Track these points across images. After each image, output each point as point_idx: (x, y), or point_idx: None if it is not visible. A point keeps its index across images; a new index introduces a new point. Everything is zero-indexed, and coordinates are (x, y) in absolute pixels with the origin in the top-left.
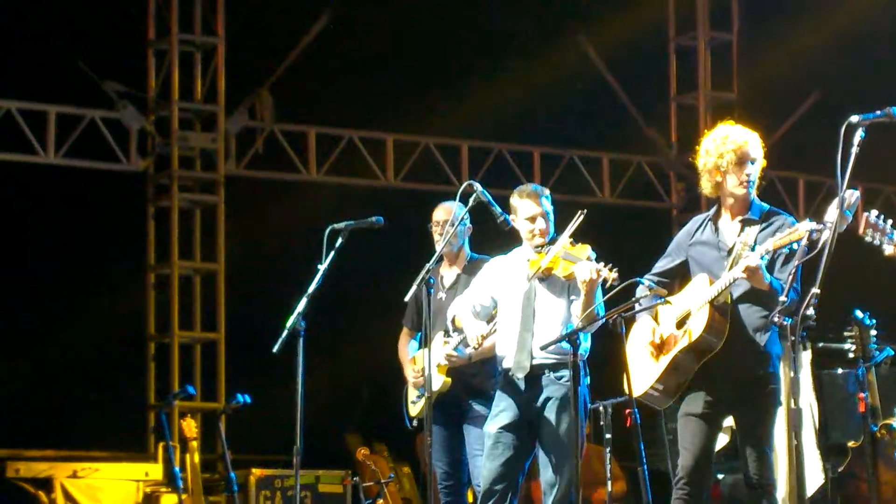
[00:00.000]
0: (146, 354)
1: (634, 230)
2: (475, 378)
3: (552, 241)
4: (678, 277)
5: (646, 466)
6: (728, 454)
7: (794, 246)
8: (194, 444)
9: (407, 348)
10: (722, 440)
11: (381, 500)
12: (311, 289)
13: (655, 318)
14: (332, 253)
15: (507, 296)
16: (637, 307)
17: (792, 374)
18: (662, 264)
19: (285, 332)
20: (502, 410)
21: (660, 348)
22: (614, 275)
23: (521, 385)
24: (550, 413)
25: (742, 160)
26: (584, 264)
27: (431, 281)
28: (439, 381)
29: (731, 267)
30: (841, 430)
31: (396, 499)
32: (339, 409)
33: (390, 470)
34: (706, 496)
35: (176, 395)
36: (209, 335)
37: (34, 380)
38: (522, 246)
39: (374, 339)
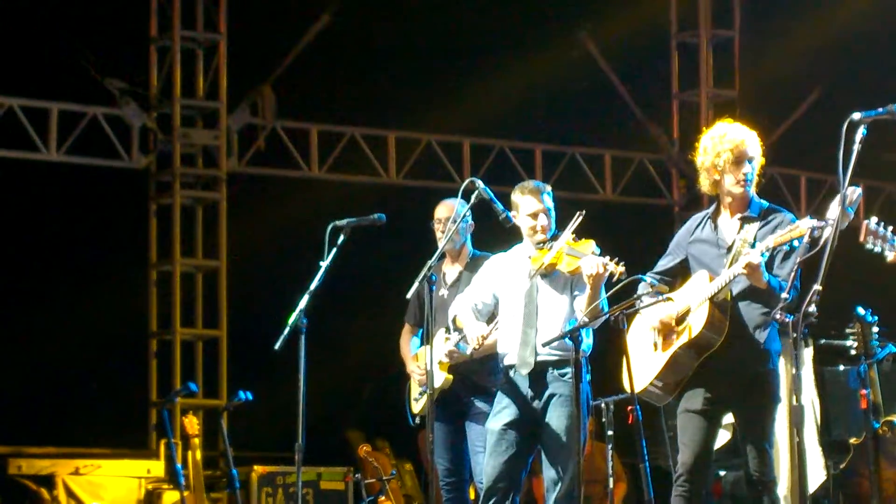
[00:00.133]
0: (148, 351)
1: (636, 227)
2: (477, 375)
3: (554, 238)
4: (679, 276)
5: (647, 463)
6: (730, 451)
7: (795, 243)
8: (196, 440)
9: (409, 345)
10: (723, 437)
11: (383, 497)
12: (312, 286)
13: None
14: (334, 250)
15: (508, 293)
16: (639, 304)
17: (794, 370)
18: (664, 263)
19: (287, 329)
20: (505, 407)
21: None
22: (621, 268)
23: (525, 382)
24: (554, 410)
25: (739, 159)
26: (591, 259)
27: (433, 278)
28: (441, 378)
29: (730, 264)
30: (843, 427)
31: (398, 495)
32: (341, 405)
33: (392, 467)
34: (706, 493)
35: (178, 392)
36: (211, 332)
37: (36, 377)
38: (523, 243)
39: (376, 336)
